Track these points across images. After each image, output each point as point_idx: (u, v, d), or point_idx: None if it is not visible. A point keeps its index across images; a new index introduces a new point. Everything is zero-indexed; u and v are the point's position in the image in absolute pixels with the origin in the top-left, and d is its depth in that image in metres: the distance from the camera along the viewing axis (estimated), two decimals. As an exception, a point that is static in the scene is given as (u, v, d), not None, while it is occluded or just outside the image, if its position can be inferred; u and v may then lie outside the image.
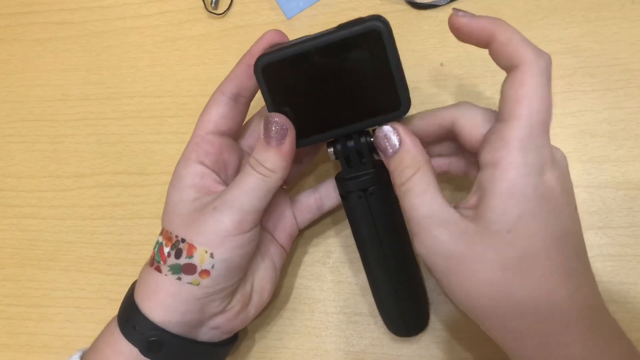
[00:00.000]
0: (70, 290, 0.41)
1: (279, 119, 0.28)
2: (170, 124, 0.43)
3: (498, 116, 0.26)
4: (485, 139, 0.26)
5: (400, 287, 0.32)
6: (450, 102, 0.35)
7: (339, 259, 0.38)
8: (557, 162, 0.25)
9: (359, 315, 0.36)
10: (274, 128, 0.28)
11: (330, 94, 0.29)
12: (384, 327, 0.35)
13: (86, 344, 0.39)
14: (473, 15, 0.26)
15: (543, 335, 0.25)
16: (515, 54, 0.25)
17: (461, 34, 0.27)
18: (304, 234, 0.38)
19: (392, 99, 0.28)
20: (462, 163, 0.32)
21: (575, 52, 0.37)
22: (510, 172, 0.24)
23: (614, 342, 0.25)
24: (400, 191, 0.27)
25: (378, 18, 0.27)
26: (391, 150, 0.28)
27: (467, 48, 0.39)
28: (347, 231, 0.38)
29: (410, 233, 0.27)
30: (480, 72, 0.38)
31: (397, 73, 0.28)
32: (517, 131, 0.24)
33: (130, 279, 0.40)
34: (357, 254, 0.34)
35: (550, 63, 0.25)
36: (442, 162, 0.33)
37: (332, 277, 0.37)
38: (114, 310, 0.40)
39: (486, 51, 0.39)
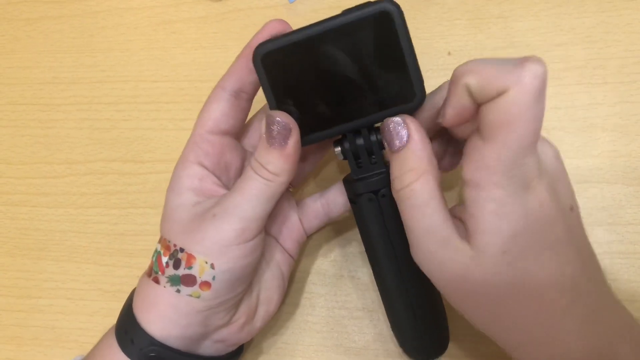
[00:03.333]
0: (62, 281, 0.40)
1: (281, 117, 0.26)
2: (166, 110, 0.41)
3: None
4: (466, 152, 0.24)
5: (418, 303, 0.29)
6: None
7: (341, 252, 0.37)
8: (544, 168, 0.23)
9: (361, 311, 0.35)
10: (276, 128, 0.26)
11: (337, 86, 0.26)
12: (387, 322, 0.34)
13: (78, 336, 0.39)
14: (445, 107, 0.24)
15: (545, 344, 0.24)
16: (497, 85, 0.21)
17: (463, 116, 0.24)
18: (305, 227, 0.37)
19: (405, 90, 0.26)
20: (451, 160, 0.30)
21: (588, 43, 0.36)
22: (495, 192, 0.22)
23: None
24: (398, 195, 0.25)
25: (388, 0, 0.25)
26: (398, 142, 0.25)
27: (476, 37, 0.38)
28: (349, 223, 0.37)
29: (408, 238, 0.26)
30: (490, 62, 0.37)
31: (411, 60, 0.26)
32: (500, 154, 0.22)
33: (125, 270, 0.40)
34: (360, 248, 0.33)
35: (544, 72, 0.21)
36: None
37: (334, 271, 0.36)
38: (107, 302, 0.39)
39: (495, 41, 0.38)
